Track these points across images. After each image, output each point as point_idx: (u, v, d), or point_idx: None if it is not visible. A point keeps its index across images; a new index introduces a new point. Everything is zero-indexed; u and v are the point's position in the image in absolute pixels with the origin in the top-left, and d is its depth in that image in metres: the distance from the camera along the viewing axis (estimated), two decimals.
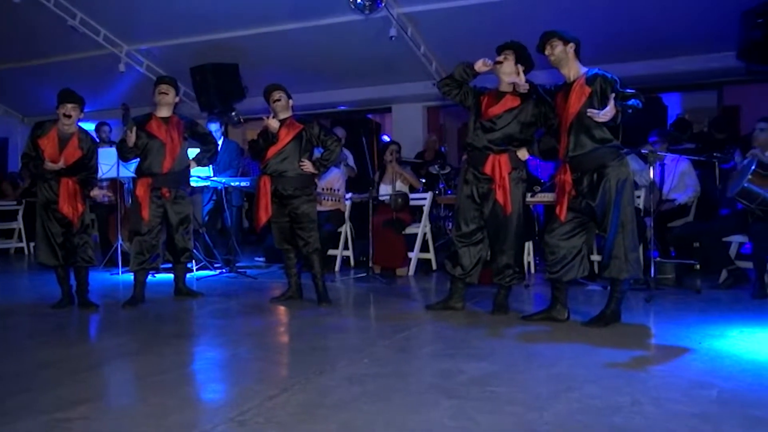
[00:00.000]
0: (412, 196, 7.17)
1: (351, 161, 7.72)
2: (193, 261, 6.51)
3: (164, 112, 5.37)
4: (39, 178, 5.15)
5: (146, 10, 8.33)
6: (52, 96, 5.21)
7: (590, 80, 4.09)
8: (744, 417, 2.54)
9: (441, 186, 7.65)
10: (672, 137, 6.90)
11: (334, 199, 6.62)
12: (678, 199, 6.30)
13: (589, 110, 3.95)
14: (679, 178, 6.33)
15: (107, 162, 6.62)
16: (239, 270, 7.03)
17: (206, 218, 7.59)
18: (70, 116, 5.06)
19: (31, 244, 9.34)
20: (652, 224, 5.44)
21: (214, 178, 6.95)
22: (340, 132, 7.74)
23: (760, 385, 2.95)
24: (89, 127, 7.51)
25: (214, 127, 7.41)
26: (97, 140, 7.81)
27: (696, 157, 6.23)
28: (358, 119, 11.20)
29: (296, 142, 5.17)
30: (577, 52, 4.22)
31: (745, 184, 5.19)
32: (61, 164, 5.01)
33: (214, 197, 7.43)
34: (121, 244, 7.10)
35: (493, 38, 4.72)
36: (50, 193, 5.09)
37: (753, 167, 5.18)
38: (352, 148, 8.43)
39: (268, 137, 5.22)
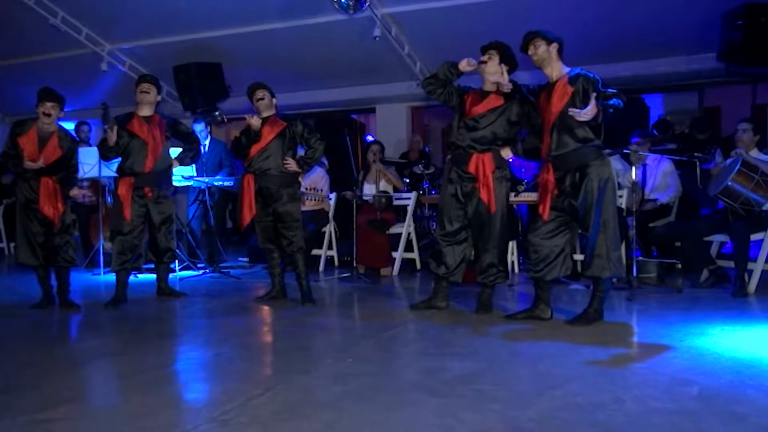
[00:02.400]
0: (396, 196, 7.18)
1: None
2: (176, 261, 6.48)
3: (146, 111, 5.33)
4: (19, 177, 5.10)
5: (129, 9, 8.25)
6: (33, 95, 5.15)
7: (572, 80, 4.11)
8: (724, 413, 2.57)
9: (425, 186, 7.66)
10: (654, 139, 6.94)
11: (317, 198, 6.60)
12: (660, 199, 6.34)
13: (570, 109, 3.98)
14: (661, 178, 6.38)
15: (88, 161, 6.56)
16: (222, 270, 7.00)
17: (193, 221, 7.53)
18: (49, 115, 5.02)
19: (12, 245, 9.24)
20: (634, 224, 5.48)
21: (198, 178, 6.91)
22: None
23: (740, 382, 2.98)
24: (70, 126, 7.45)
25: (199, 128, 7.37)
26: (77, 139, 7.74)
27: (677, 157, 6.28)
28: (342, 119, 11.18)
29: (279, 140, 5.15)
30: (560, 53, 4.25)
31: (729, 183, 5.23)
32: (40, 163, 4.97)
33: (201, 197, 7.38)
34: (102, 244, 7.04)
35: (477, 38, 4.72)
36: (30, 192, 5.04)
37: (737, 166, 5.23)
38: (335, 149, 8.41)
39: (250, 135, 5.20)
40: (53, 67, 9.55)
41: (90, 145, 7.53)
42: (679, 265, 6.09)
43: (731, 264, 5.50)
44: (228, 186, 7.28)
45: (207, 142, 7.51)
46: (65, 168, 5.16)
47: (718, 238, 5.72)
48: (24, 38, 9.04)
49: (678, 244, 5.97)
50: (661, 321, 4.34)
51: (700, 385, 2.91)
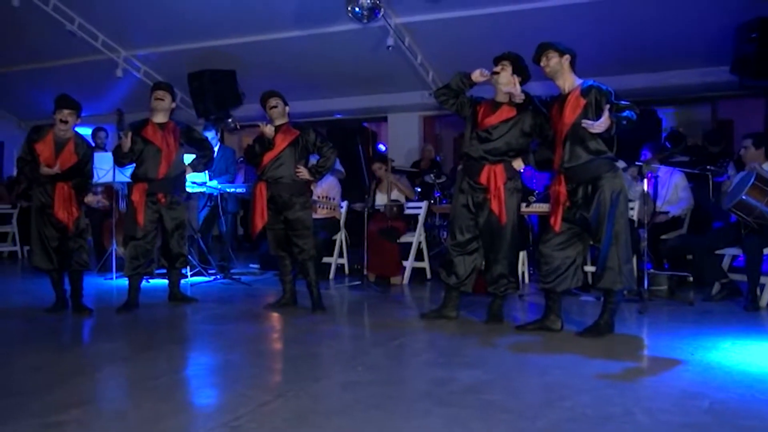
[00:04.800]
0: (407, 205, 7.19)
1: (337, 164, 7.65)
2: (188, 267, 6.51)
3: (160, 118, 5.38)
4: (34, 182, 5.15)
5: (144, 16, 8.35)
6: (49, 100, 5.21)
7: (585, 92, 4.11)
8: (735, 427, 2.56)
9: (436, 195, 7.66)
10: (663, 156, 6.93)
11: (329, 207, 6.62)
12: (671, 212, 6.32)
13: (583, 121, 3.98)
14: (673, 191, 6.36)
15: (103, 167, 6.62)
16: (233, 276, 7.03)
17: (201, 224, 7.58)
18: (66, 122, 5.07)
19: (25, 248, 9.32)
20: (645, 236, 5.47)
21: (210, 184, 6.96)
22: None
23: (751, 396, 2.97)
24: (85, 131, 7.52)
25: (210, 135, 7.41)
26: (93, 145, 7.81)
27: (690, 170, 6.27)
28: (354, 128, 11.22)
29: (292, 148, 5.19)
30: (572, 64, 4.25)
31: (743, 197, 5.21)
32: (56, 169, 5.02)
33: (210, 203, 7.44)
34: (115, 249, 7.09)
35: (490, 49, 4.75)
36: (45, 197, 5.09)
37: (752, 180, 5.21)
38: (347, 157, 8.45)
39: (264, 143, 5.24)
40: (69, 72, 9.67)
41: (106, 151, 7.59)
42: (691, 278, 6.06)
43: (743, 278, 5.48)
44: (240, 192, 7.31)
45: (216, 149, 7.55)
46: (81, 174, 5.20)
47: (730, 252, 5.70)
48: (41, 44, 9.17)
49: (690, 256, 5.95)
50: (672, 334, 4.33)
51: (710, 399, 2.90)
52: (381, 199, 7.19)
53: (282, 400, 2.91)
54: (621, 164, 5.48)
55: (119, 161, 5.43)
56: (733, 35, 6.70)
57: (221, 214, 7.24)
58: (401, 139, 10.60)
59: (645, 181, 5.65)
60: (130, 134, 5.21)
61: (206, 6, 7.94)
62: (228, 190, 7.22)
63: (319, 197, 6.37)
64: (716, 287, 5.66)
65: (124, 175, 6.43)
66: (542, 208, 5.93)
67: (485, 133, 4.53)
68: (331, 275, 7.27)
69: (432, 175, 7.92)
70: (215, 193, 7.13)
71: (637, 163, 5.89)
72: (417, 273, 7.13)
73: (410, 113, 10.54)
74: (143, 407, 2.89)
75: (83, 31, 8.60)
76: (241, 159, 8.18)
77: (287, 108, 5.34)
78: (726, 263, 5.79)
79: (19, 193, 9.59)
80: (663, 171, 6.29)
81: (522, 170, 4.66)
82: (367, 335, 4.57)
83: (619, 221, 4.10)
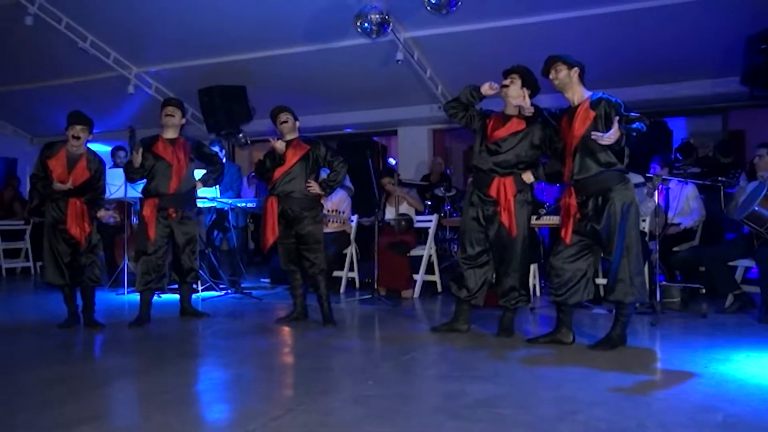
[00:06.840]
0: (417, 218, 7.18)
1: (346, 180, 7.68)
2: (199, 281, 6.53)
3: (171, 134, 5.42)
4: (47, 198, 5.20)
5: (156, 33, 8.44)
6: (61, 117, 5.26)
7: (594, 104, 4.12)
8: None
9: (446, 208, 7.66)
10: (674, 164, 6.90)
11: (339, 220, 6.62)
12: (683, 223, 6.29)
13: (593, 133, 3.97)
14: (685, 202, 6.33)
15: (115, 183, 6.67)
16: (244, 291, 7.03)
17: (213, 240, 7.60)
18: (79, 138, 5.12)
19: (38, 264, 9.37)
20: (657, 248, 5.44)
21: (220, 199, 6.99)
22: None
23: (765, 409, 2.93)
24: (100, 148, 7.58)
25: (215, 149, 7.45)
26: (112, 164, 7.90)
27: (701, 182, 6.24)
28: (364, 141, 11.25)
29: (303, 163, 5.21)
30: (581, 77, 4.26)
31: (756, 208, 5.18)
32: (69, 185, 5.06)
33: (215, 216, 7.46)
34: (127, 264, 7.12)
35: (499, 62, 4.76)
36: (58, 213, 5.13)
37: (764, 191, 5.18)
38: (357, 171, 8.46)
39: (275, 158, 5.26)
40: (81, 89, 9.77)
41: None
42: (704, 290, 6.01)
43: (757, 289, 5.43)
44: (250, 207, 7.33)
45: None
46: (93, 189, 5.25)
47: (743, 263, 5.66)
48: (53, 62, 9.27)
49: (702, 268, 5.91)
50: (684, 346, 4.29)
51: (724, 413, 2.87)
52: (390, 213, 7.19)
53: (293, 414, 2.91)
54: (638, 178, 5.48)
55: (130, 177, 5.47)
56: (743, 46, 6.68)
57: (231, 228, 7.26)
58: (411, 152, 10.62)
59: (656, 193, 5.62)
60: (140, 150, 5.26)
61: (216, 22, 8.01)
62: (238, 204, 7.25)
63: (329, 211, 6.38)
64: (729, 299, 5.61)
65: (136, 190, 6.47)
66: (553, 220, 5.91)
67: (495, 145, 4.53)
68: (342, 289, 7.26)
69: (442, 189, 7.92)
70: (225, 208, 7.15)
71: (647, 174, 5.86)
72: (428, 286, 7.11)
73: (420, 127, 10.57)
74: (154, 421, 2.89)
75: (95, 49, 8.69)
76: (252, 174, 8.20)
77: (297, 123, 5.37)
78: (739, 275, 5.75)
79: (31, 209, 9.66)
80: (674, 182, 6.27)
81: (532, 182, 4.64)
82: (378, 349, 4.56)
83: (630, 233, 4.08)
